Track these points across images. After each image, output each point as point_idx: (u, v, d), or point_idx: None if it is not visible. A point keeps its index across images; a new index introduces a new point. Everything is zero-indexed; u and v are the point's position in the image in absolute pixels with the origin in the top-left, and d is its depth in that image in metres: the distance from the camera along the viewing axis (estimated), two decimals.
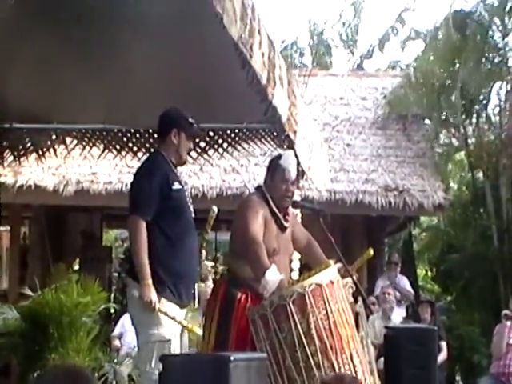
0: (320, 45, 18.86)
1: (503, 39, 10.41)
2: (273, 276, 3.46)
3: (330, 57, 18.95)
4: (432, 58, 10.46)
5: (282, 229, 3.93)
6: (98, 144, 5.99)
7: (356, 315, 3.67)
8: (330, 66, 18.39)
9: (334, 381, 1.77)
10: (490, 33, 10.50)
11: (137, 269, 3.56)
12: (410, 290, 8.44)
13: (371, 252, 4.01)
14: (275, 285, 3.41)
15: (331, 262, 3.60)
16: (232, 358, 2.28)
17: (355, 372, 3.29)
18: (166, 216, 3.67)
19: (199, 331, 3.76)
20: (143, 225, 3.58)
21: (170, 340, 3.56)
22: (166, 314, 3.55)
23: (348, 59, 18.97)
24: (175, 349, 3.62)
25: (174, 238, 3.68)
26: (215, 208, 4.46)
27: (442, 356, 7.30)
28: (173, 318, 3.58)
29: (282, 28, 25.51)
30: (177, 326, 3.69)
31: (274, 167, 4.01)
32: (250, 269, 3.67)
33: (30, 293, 6.63)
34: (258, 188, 4.10)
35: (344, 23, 18.75)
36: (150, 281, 3.53)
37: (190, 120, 3.92)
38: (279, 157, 4.12)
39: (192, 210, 3.84)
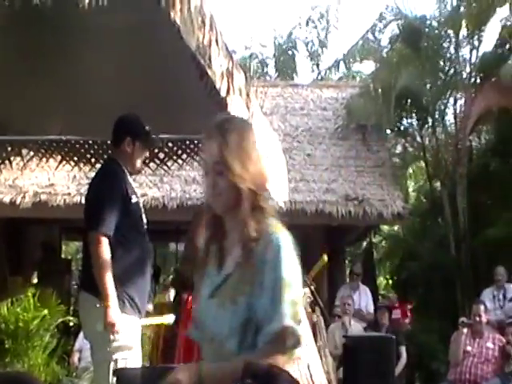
0: (284, 55, 18.97)
1: (456, 51, 10.64)
2: None
3: (294, 67, 19.05)
4: (387, 69, 10.64)
5: None
6: (54, 155, 5.91)
7: (313, 325, 3.68)
8: (293, 75, 18.52)
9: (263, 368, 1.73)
10: (446, 45, 10.73)
11: (100, 288, 3.45)
12: (370, 311, 8.40)
13: (325, 258, 4.04)
14: None
15: None
16: None
17: (312, 382, 3.30)
18: (124, 230, 3.60)
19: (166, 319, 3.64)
20: (106, 242, 3.50)
21: (127, 358, 3.50)
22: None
23: (312, 71, 19.17)
24: (136, 364, 3.56)
25: (131, 252, 3.62)
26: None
27: (402, 361, 7.36)
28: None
29: (247, 36, 25.65)
30: (137, 341, 3.64)
31: None
32: None
33: None
34: None
35: (313, 30, 18.92)
36: (114, 302, 3.43)
37: (147, 128, 3.86)
38: None
39: (145, 221, 3.79)
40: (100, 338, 3.51)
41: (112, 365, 3.45)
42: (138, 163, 3.84)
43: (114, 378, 2.30)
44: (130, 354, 3.53)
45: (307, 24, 18.89)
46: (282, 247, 1.82)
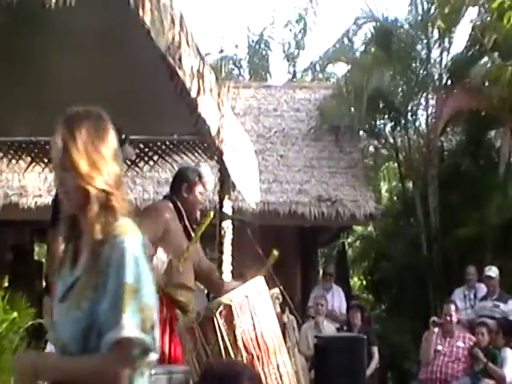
0: (257, 55, 18.95)
1: (428, 53, 10.74)
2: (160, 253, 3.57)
3: (268, 67, 19.04)
4: (360, 71, 10.70)
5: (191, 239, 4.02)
6: (24, 157, 5.85)
7: (283, 325, 3.68)
8: (267, 76, 18.52)
9: (224, 367, 1.69)
10: (419, 47, 10.82)
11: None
12: (343, 312, 8.39)
13: (276, 253, 4.07)
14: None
15: (237, 283, 3.67)
16: (152, 372, 2.24)
17: (282, 382, 3.31)
18: None
19: None
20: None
21: None
22: None
23: (288, 72, 19.18)
24: None
25: None
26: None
27: (375, 361, 7.39)
28: None
29: (221, 38, 25.57)
30: None
31: (193, 181, 4.06)
32: None
33: None
34: (170, 198, 4.11)
35: (290, 32, 18.91)
36: None
37: (122, 137, 3.84)
38: (189, 169, 4.24)
39: None
40: None
41: None
42: None
43: None
44: None
45: (286, 25, 18.90)
46: (127, 250, 1.70)
